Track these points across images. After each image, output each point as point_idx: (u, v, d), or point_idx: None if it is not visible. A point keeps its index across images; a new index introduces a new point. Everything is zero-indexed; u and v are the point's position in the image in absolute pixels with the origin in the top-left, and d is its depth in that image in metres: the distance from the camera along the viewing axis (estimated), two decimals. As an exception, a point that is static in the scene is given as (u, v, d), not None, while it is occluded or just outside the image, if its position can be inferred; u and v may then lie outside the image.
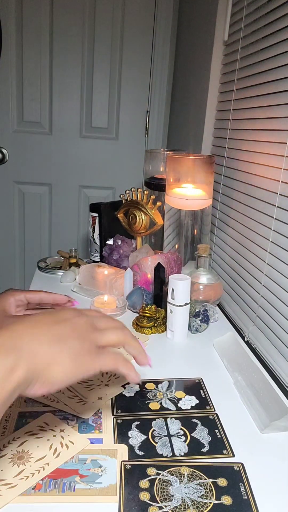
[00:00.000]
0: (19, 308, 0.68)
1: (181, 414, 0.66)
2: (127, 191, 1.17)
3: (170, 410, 0.67)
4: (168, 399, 0.70)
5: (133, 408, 0.67)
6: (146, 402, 0.69)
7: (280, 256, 0.84)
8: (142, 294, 0.99)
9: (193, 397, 0.70)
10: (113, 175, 1.98)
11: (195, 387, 0.73)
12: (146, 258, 1.05)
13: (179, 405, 0.68)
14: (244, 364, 0.78)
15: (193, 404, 0.69)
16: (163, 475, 0.53)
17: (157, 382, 0.74)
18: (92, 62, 1.83)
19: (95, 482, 0.52)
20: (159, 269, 0.97)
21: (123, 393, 0.71)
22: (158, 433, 0.61)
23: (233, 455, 0.58)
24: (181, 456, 0.57)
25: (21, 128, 1.87)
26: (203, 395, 0.71)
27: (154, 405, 0.68)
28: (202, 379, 0.76)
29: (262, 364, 0.84)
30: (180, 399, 0.70)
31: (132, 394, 0.71)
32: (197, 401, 0.69)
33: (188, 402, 0.69)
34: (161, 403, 0.69)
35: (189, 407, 0.68)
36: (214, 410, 0.67)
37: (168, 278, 0.88)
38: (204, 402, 0.69)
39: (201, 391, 0.72)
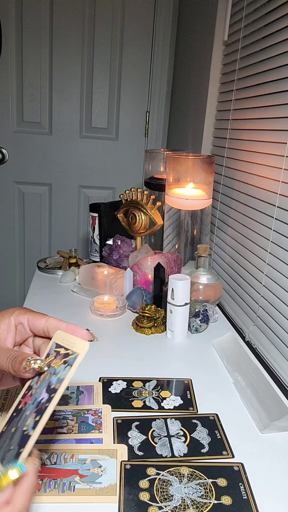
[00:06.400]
0: (19, 337, 0.47)
1: (162, 413, 0.66)
2: (127, 191, 1.17)
3: (152, 409, 0.67)
4: (153, 398, 0.70)
5: (115, 404, 0.67)
6: (130, 399, 0.69)
7: (280, 256, 0.84)
8: (142, 294, 0.99)
9: (178, 398, 0.70)
10: (113, 175, 1.98)
11: (182, 388, 0.73)
12: (146, 258, 1.05)
13: (162, 404, 0.68)
14: (244, 364, 0.78)
15: (177, 405, 0.69)
16: (163, 475, 0.53)
17: (145, 381, 0.74)
18: (92, 62, 1.83)
19: (95, 482, 0.51)
20: (159, 269, 0.97)
21: (110, 389, 0.71)
22: (158, 434, 0.61)
23: (233, 456, 0.58)
24: (181, 457, 0.57)
25: (21, 128, 1.87)
26: (188, 396, 0.71)
27: (137, 403, 0.68)
28: (191, 380, 0.75)
29: (263, 364, 0.84)
30: (164, 398, 0.70)
31: (118, 391, 0.71)
32: (181, 402, 0.69)
33: (172, 402, 0.69)
34: (144, 402, 0.69)
35: (171, 407, 0.68)
36: (197, 412, 0.67)
37: (168, 278, 0.88)
38: (188, 403, 0.69)
39: (188, 392, 0.72)
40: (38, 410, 0.38)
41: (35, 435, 0.36)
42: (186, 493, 0.51)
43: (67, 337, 0.42)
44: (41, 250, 2.05)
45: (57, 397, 0.37)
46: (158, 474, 0.53)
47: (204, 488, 0.51)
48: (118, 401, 0.68)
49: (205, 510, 0.49)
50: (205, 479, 0.53)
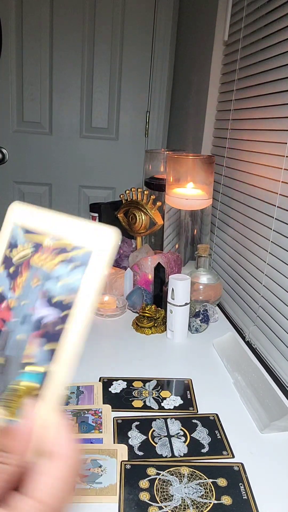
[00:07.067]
0: None
1: (162, 413, 0.66)
2: (127, 191, 1.17)
3: (153, 409, 0.67)
4: (153, 398, 0.70)
5: (115, 404, 0.68)
6: (130, 399, 0.69)
7: (280, 256, 0.84)
8: (142, 294, 0.99)
9: (178, 398, 0.70)
10: (113, 175, 1.98)
11: (182, 388, 0.73)
12: (146, 258, 1.05)
13: (162, 404, 0.68)
14: (244, 364, 0.78)
15: (177, 405, 0.69)
16: (163, 475, 0.53)
17: (145, 381, 0.74)
18: (92, 62, 1.83)
19: (95, 482, 0.51)
20: (159, 269, 0.97)
21: (110, 389, 0.71)
22: (158, 434, 0.61)
23: (233, 456, 0.58)
24: (181, 457, 0.57)
25: (21, 128, 1.87)
26: (188, 396, 0.71)
27: (137, 403, 0.68)
28: (191, 380, 0.75)
29: (263, 364, 0.84)
30: (164, 398, 0.70)
31: (118, 391, 0.71)
32: (181, 402, 0.69)
33: (172, 402, 0.69)
34: (144, 402, 0.69)
35: (172, 407, 0.68)
36: (197, 412, 0.67)
37: (168, 278, 0.88)
38: (188, 403, 0.69)
39: (188, 392, 0.72)
40: (44, 333, 0.26)
41: (59, 370, 0.25)
42: (186, 493, 0.51)
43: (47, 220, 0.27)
44: (41, 250, 2.05)
45: (83, 311, 0.26)
46: (158, 474, 0.54)
47: (204, 488, 0.51)
48: (118, 401, 0.68)
49: (205, 510, 0.49)
50: (205, 479, 0.53)
